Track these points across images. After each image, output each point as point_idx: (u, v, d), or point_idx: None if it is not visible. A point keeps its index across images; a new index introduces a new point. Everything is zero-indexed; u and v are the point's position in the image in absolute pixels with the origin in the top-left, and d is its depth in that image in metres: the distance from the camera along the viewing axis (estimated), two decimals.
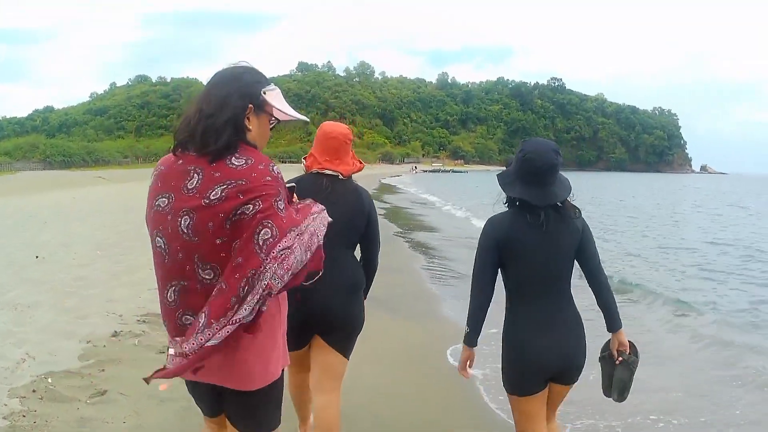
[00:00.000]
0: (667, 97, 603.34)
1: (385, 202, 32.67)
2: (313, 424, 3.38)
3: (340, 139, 3.32)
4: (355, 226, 3.31)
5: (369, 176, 76.17)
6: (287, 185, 2.20)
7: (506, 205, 2.94)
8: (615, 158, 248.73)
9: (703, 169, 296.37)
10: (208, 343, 1.95)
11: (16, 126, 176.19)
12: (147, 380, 2.06)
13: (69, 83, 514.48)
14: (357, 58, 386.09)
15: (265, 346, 2.18)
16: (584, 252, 2.88)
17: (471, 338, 2.96)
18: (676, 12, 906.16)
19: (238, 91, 2.14)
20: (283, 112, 2.28)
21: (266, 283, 1.97)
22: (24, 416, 4.06)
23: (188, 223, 2.02)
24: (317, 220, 2.20)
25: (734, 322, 8.39)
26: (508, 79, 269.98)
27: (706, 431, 4.76)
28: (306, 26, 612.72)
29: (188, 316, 2.05)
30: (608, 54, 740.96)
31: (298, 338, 3.21)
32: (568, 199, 2.88)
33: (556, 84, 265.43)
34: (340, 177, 3.28)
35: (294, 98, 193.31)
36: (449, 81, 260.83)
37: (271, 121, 2.29)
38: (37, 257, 9.63)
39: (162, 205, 2.08)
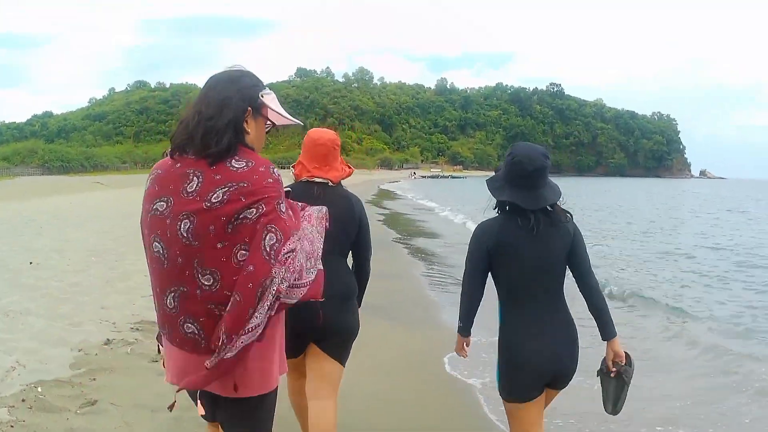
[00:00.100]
0: (666, 102, 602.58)
1: (384, 208, 32.69)
2: (310, 430, 3.36)
3: (328, 146, 3.30)
4: (347, 233, 3.30)
5: (368, 182, 76.26)
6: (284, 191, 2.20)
7: (496, 210, 2.94)
8: (614, 163, 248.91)
9: (703, 173, 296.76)
10: (226, 356, 1.95)
11: (15, 131, 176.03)
12: (170, 408, 2.23)
13: (68, 89, 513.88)
14: (356, 64, 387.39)
15: (265, 353, 2.14)
16: (575, 256, 2.87)
17: (465, 330, 3.05)
18: (674, 17, 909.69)
19: (238, 93, 2.12)
20: (281, 116, 2.27)
21: (275, 288, 1.97)
22: (12, 427, 3.96)
23: (188, 227, 1.98)
24: (315, 228, 2.21)
25: (733, 329, 8.30)
26: (506, 85, 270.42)
27: None
28: (305, 32, 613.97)
29: (189, 324, 2.03)
30: (607, 59, 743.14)
31: (294, 346, 3.16)
32: (559, 203, 2.87)
33: (555, 89, 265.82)
34: (330, 184, 3.27)
35: (293, 104, 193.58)
36: (448, 87, 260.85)
37: (267, 125, 2.27)
38: (31, 263, 9.53)
39: (160, 209, 2.04)
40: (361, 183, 68.98)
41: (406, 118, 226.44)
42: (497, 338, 2.97)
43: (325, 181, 3.26)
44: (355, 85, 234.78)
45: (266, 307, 1.96)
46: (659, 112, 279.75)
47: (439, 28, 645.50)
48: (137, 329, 6.41)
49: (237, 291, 1.95)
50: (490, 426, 4.69)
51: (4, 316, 6.52)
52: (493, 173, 3.02)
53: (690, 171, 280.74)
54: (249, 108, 2.14)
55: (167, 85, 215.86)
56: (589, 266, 2.91)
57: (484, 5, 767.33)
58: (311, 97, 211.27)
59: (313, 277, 2.15)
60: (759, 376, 6.12)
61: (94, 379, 4.97)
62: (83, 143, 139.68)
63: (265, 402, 2.23)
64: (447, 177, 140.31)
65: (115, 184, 47.21)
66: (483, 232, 2.89)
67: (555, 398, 3.06)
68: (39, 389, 4.62)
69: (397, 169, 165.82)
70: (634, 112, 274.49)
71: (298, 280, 2.07)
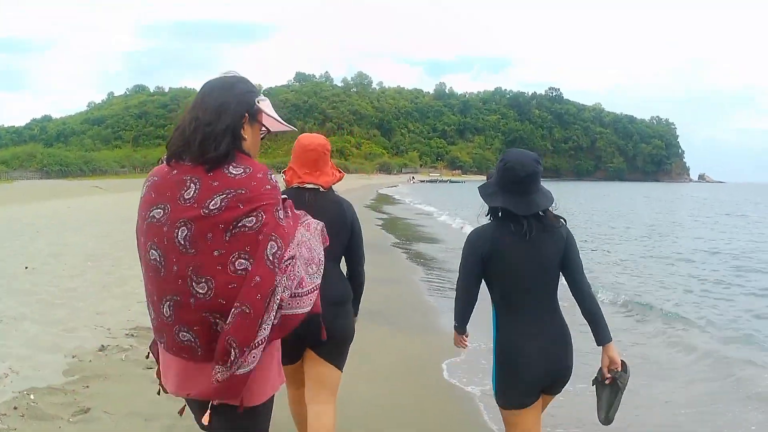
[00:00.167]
0: (665, 106, 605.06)
1: (383, 213, 32.64)
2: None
3: (318, 151, 3.29)
4: (339, 239, 3.26)
5: (366, 186, 76.31)
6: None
7: (489, 216, 2.95)
8: (613, 168, 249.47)
9: (702, 177, 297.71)
10: (239, 371, 1.93)
11: (14, 135, 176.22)
12: (181, 412, 2.24)
13: (67, 93, 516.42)
14: (355, 69, 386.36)
15: (264, 362, 2.09)
16: (568, 261, 2.88)
17: (461, 329, 3.10)
18: (673, 22, 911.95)
19: (235, 99, 2.11)
20: (277, 121, 2.27)
21: (279, 297, 1.96)
22: None
23: (185, 234, 1.96)
24: (313, 236, 2.21)
25: (732, 335, 8.25)
26: (505, 89, 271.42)
27: None
28: (304, 36, 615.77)
29: (184, 332, 2.00)
30: (606, 64, 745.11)
31: (291, 353, 3.13)
32: (551, 209, 2.88)
33: (554, 94, 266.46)
34: (321, 189, 3.26)
35: (292, 108, 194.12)
36: (447, 91, 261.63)
37: (262, 131, 2.27)
38: (27, 268, 9.45)
39: (157, 217, 2.01)
40: (359, 188, 68.97)
41: (404, 122, 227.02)
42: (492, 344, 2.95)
43: (316, 186, 3.26)
44: (354, 89, 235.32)
45: (272, 318, 1.96)
46: (658, 117, 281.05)
47: (438, 33, 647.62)
48: (132, 335, 6.33)
49: (245, 303, 1.91)
50: None
51: None
52: (481, 183, 3.03)
53: (689, 175, 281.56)
54: (246, 114, 2.13)
55: (166, 90, 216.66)
56: (582, 271, 2.91)
57: (482, 9, 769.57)
58: (310, 101, 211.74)
59: (316, 283, 2.15)
60: (759, 382, 6.07)
61: (88, 386, 4.90)
62: (82, 147, 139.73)
63: (262, 409, 2.20)
64: (446, 181, 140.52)
65: (114, 188, 47.16)
66: (477, 239, 2.89)
67: (551, 404, 3.06)
68: (32, 396, 4.56)
69: (395, 174, 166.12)
70: (632, 116, 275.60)
71: (298, 288, 2.06)
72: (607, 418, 2.93)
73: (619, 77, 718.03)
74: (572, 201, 57.20)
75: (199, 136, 2.03)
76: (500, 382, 2.90)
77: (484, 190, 2.91)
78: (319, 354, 3.25)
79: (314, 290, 2.14)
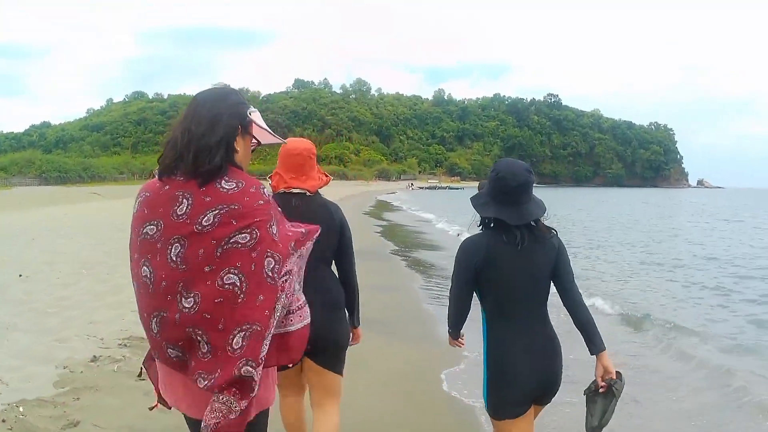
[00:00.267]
0: (663, 111, 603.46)
1: (382, 219, 32.56)
2: None
3: (304, 155, 3.30)
4: (329, 242, 3.28)
5: (365, 193, 76.32)
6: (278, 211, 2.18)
7: (480, 227, 2.96)
8: (612, 173, 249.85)
9: (700, 183, 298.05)
10: (252, 394, 1.94)
11: (13, 141, 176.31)
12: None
13: (66, 99, 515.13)
14: (353, 75, 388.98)
15: (265, 370, 2.07)
16: (559, 270, 2.89)
17: (455, 334, 3.13)
18: (671, 28, 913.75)
19: (228, 110, 2.09)
20: (268, 133, 2.28)
21: (278, 314, 1.99)
22: None
23: (179, 251, 1.95)
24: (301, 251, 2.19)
25: (731, 344, 8.17)
26: (504, 96, 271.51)
27: None
28: (302, 43, 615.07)
29: (171, 349, 1.99)
30: (604, 70, 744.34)
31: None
32: (542, 220, 2.89)
33: (553, 100, 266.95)
34: (308, 194, 3.28)
35: (290, 115, 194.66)
36: (445, 97, 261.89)
37: (253, 143, 2.25)
38: (20, 275, 9.34)
39: (150, 233, 2.00)
40: (358, 194, 69.01)
41: (403, 129, 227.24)
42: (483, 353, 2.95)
43: (302, 191, 3.27)
44: (353, 96, 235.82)
45: (271, 333, 1.97)
46: (656, 122, 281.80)
47: (437, 39, 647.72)
48: (125, 345, 6.22)
49: (256, 322, 1.91)
50: None
51: None
52: (477, 190, 3.10)
53: (687, 181, 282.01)
54: (239, 126, 2.11)
55: (165, 96, 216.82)
56: (573, 280, 2.92)
57: (481, 16, 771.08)
58: (309, 108, 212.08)
59: (304, 299, 2.17)
60: (761, 391, 6.03)
61: (78, 398, 4.79)
62: (81, 154, 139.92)
63: (260, 420, 2.18)
64: (444, 188, 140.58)
65: (112, 194, 47.10)
66: (469, 248, 2.90)
67: (542, 413, 3.06)
68: (21, 409, 4.46)
69: (394, 180, 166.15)
70: (631, 122, 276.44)
71: (291, 305, 2.09)
72: (601, 423, 2.89)
73: (617, 83, 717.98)
74: (570, 207, 57.18)
75: (193, 148, 2.00)
76: (492, 392, 2.90)
77: (476, 201, 2.93)
78: (318, 363, 3.28)
79: (305, 305, 2.16)
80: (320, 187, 3.35)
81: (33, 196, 41.85)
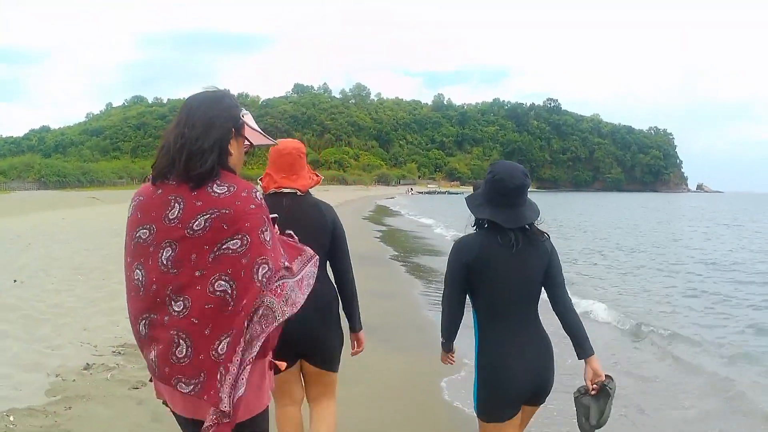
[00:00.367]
0: (663, 116, 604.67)
1: (381, 224, 32.47)
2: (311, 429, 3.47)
3: (294, 154, 3.31)
4: (321, 242, 3.26)
5: (365, 198, 76.23)
6: (271, 217, 2.16)
7: (475, 228, 2.97)
8: (611, 178, 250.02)
9: (700, 187, 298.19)
10: (238, 395, 1.94)
11: (12, 145, 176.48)
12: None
13: (65, 103, 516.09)
14: (353, 80, 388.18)
15: (255, 374, 2.09)
16: (550, 275, 2.90)
17: (448, 345, 3.11)
18: (671, 32, 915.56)
19: (222, 114, 2.10)
20: (259, 134, 2.28)
21: (265, 319, 1.98)
22: None
23: (170, 255, 1.96)
24: (309, 265, 2.23)
25: (730, 351, 8.04)
26: (503, 101, 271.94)
27: None
28: (302, 48, 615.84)
29: (152, 350, 2.01)
30: (604, 74, 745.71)
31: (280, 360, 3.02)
32: (536, 224, 2.90)
33: (552, 105, 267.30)
34: (299, 193, 3.28)
35: (290, 120, 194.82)
36: (445, 102, 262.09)
37: (245, 145, 2.25)
38: (15, 281, 9.20)
39: (143, 237, 2.02)
40: (357, 199, 68.94)
41: (403, 134, 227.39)
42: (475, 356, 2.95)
43: (293, 190, 3.26)
44: (353, 101, 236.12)
45: (260, 338, 1.98)
46: (656, 127, 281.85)
47: (436, 44, 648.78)
48: (119, 353, 6.10)
49: (235, 327, 1.92)
50: None
51: None
52: (472, 191, 3.09)
53: (687, 185, 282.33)
54: (232, 128, 2.12)
55: (165, 101, 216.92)
56: (564, 286, 2.94)
57: (480, 20, 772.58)
58: (308, 113, 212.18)
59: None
60: (760, 398, 6.01)
61: (70, 407, 4.67)
62: (80, 158, 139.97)
63: (259, 422, 2.17)
64: (444, 193, 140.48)
65: (111, 199, 46.90)
66: (462, 247, 2.91)
67: (541, 419, 3.14)
68: (11, 418, 4.35)
69: (394, 185, 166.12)
70: (630, 126, 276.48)
71: (286, 305, 2.07)
72: (599, 423, 2.90)
73: (616, 88, 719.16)
74: (570, 211, 57.15)
75: (186, 153, 2.00)
76: (482, 394, 2.90)
77: (471, 202, 2.94)
78: (314, 364, 3.34)
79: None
80: (311, 187, 3.35)
81: (31, 201, 41.72)
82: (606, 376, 2.89)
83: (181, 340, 1.92)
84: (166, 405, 2.20)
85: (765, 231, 34.89)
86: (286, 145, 3.33)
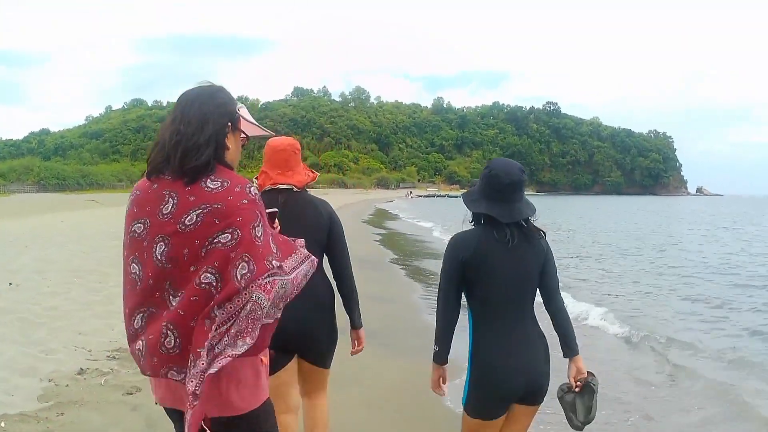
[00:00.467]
0: (663, 119, 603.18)
1: (381, 228, 32.45)
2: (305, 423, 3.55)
3: (288, 150, 3.34)
4: (317, 238, 3.29)
5: (364, 201, 76.20)
6: (270, 211, 2.19)
7: (472, 223, 2.97)
8: (611, 182, 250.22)
9: (699, 191, 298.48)
10: (210, 371, 1.89)
11: (12, 148, 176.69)
12: None
13: (65, 106, 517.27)
14: (352, 83, 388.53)
15: (247, 370, 2.08)
16: (546, 275, 2.91)
17: (441, 356, 2.96)
18: (670, 36, 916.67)
19: (217, 109, 2.09)
20: (256, 126, 2.32)
21: (253, 314, 1.93)
22: None
23: (163, 250, 1.97)
24: (304, 264, 2.19)
25: (730, 356, 7.97)
26: (503, 104, 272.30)
27: None
28: (301, 51, 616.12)
29: (140, 341, 2.03)
30: (603, 78, 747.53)
31: (276, 361, 3.01)
32: (532, 221, 2.91)
33: (552, 108, 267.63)
34: (295, 190, 3.30)
35: (289, 123, 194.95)
36: (444, 106, 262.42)
37: (242, 138, 2.24)
38: (10, 284, 9.09)
39: (138, 231, 2.03)
40: (357, 202, 68.88)
41: (402, 137, 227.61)
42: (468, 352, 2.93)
43: (289, 186, 3.28)
44: (352, 104, 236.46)
45: (244, 333, 1.93)
46: (656, 130, 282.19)
47: (436, 48, 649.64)
48: (114, 357, 6.01)
49: (207, 317, 1.91)
50: None
51: None
52: (469, 188, 3.10)
53: (686, 188, 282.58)
54: (228, 123, 2.11)
55: (164, 104, 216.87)
56: (558, 286, 2.96)
57: (479, 24, 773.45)
58: (308, 116, 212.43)
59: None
60: (760, 403, 5.98)
61: (62, 413, 4.58)
62: (80, 161, 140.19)
63: (261, 415, 2.13)
64: (443, 196, 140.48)
65: (110, 202, 46.79)
66: (459, 243, 2.88)
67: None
68: (2, 424, 4.29)
69: (393, 189, 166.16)
70: (630, 130, 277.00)
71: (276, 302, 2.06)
72: (587, 419, 2.95)
73: (616, 91, 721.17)
74: (570, 214, 57.12)
75: (181, 149, 2.00)
76: (473, 391, 2.89)
77: (468, 197, 2.94)
78: (308, 360, 3.38)
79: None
80: (307, 183, 3.36)
81: (30, 204, 41.67)
82: (588, 372, 2.94)
83: (169, 332, 1.93)
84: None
85: (764, 234, 34.83)
86: (281, 142, 3.36)
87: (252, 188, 2.04)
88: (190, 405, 1.88)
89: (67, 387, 5.14)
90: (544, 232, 2.93)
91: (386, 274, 13.75)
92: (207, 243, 1.93)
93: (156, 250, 1.97)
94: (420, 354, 7.06)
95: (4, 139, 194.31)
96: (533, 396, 2.89)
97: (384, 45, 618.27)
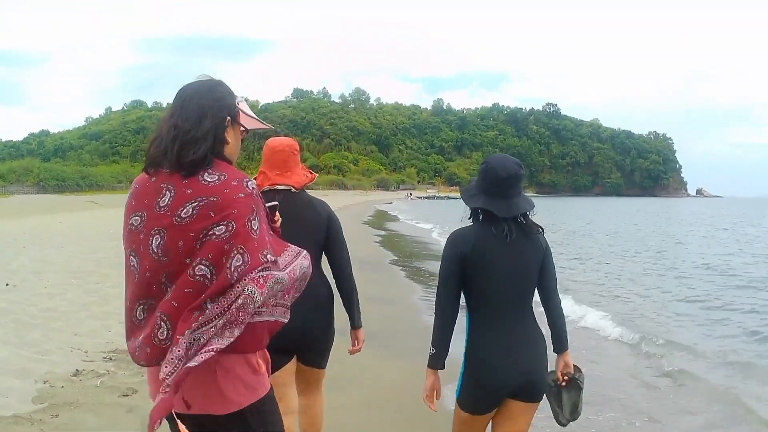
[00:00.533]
0: (662, 121, 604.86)
1: (380, 229, 32.44)
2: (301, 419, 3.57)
3: (287, 151, 3.35)
4: (316, 238, 3.31)
5: (364, 203, 76.18)
6: (270, 205, 2.19)
7: (471, 219, 2.96)
8: (610, 183, 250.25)
9: (699, 192, 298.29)
10: (188, 364, 1.85)
11: (12, 149, 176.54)
12: None
13: (65, 107, 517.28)
14: (352, 85, 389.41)
15: (242, 366, 2.05)
16: (545, 273, 2.91)
17: (437, 360, 2.90)
18: (669, 37, 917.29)
19: (216, 103, 2.09)
20: (255, 120, 2.29)
21: (245, 308, 1.90)
22: None
23: (159, 243, 1.97)
24: (299, 259, 2.17)
25: (729, 359, 7.92)
26: (503, 105, 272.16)
27: None
28: (301, 52, 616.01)
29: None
30: (603, 79, 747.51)
31: (275, 361, 2.93)
32: (530, 215, 2.90)
33: (552, 110, 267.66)
34: (293, 190, 3.31)
35: (289, 124, 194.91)
36: (444, 107, 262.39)
37: (242, 131, 2.23)
38: (7, 285, 9.04)
39: (135, 224, 2.04)
40: (356, 204, 68.84)
41: (402, 138, 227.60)
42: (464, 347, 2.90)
43: (287, 187, 3.29)
44: (352, 105, 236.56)
45: (232, 325, 1.90)
46: (655, 132, 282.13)
47: (435, 49, 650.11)
48: (110, 359, 5.95)
49: (194, 305, 1.90)
50: None
51: None
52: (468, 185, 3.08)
53: (686, 190, 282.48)
54: (228, 117, 2.11)
55: (164, 105, 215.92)
56: (556, 286, 2.97)
57: (479, 26, 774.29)
58: (308, 117, 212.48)
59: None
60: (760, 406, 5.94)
61: (57, 415, 4.52)
62: (80, 162, 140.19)
63: (261, 410, 2.10)
64: (443, 198, 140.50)
65: (110, 203, 46.74)
66: (457, 239, 2.88)
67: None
68: None
69: (393, 190, 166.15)
70: (630, 131, 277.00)
71: (281, 298, 2.09)
72: (573, 416, 3.02)
73: (616, 93, 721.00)
74: (569, 216, 57.07)
75: (178, 143, 2.00)
76: (465, 387, 2.90)
77: (465, 193, 2.94)
78: (304, 361, 3.40)
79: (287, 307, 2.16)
80: (305, 184, 3.36)
81: (30, 205, 41.64)
82: (575, 367, 3.00)
83: (162, 323, 1.93)
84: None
85: (765, 236, 34.79)
86: (280, 142, 3.37)
87: (250, 183, 2.03)
88: (161, 390, 1.84)
89: (62, 388, 5.08)
90: (542, 228, 2.93)
91: (386, 276, 13.71)
92: (202, 235, 1.92)
93: (152, 242, 1.97)
94: (420, 355, 6.97)
95: (3, 140, 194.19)
96: (528, 393, 2.86)
97: (384, 46, 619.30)
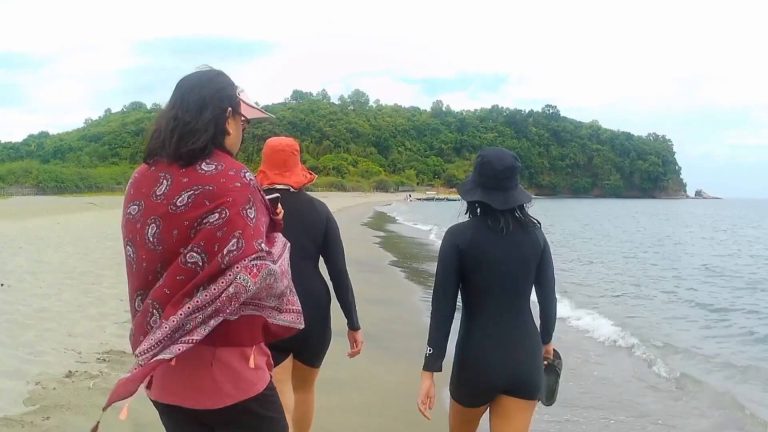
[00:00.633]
0: (662, 123, 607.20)
1: (380, 230, 32.46)
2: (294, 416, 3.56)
3: (286, 151, 3.37)
4: (314, 238, 3.34)
5: (363, 205, 76.18)
6: (272, 197, 2.19)
7: (468, 214, 2.95)
8: (610, 185, 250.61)
9: (698, 194, 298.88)
10: (160, 356, 1.80)
11: (11, 151, 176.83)
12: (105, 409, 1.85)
13: (64, 109, 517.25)
14: (351, 86, 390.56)
15: (234, 357, 2.01)
16: (542, 271, 2.90)
17: (434, 361, 2.86)
18: (669, 39, 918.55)
19: (217, 93, 2.09)
20: (256, 109, 2.29)
21: (236, 297, 1.88)
22: None
23: (154, 232, 1.96)
24: (287, 251, 2.17)
25: (729, 361, 7.87)
26: (502, 107, 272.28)
27: None
28: (301, 54, 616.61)
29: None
30: (602, 81, 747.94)
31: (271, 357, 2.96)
32: (527, 208, 2.89)
33: (551, 111, 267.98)
34: (292, 190, 3.32)
35: (288, 126, 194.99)
36: (443, 109, 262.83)
37: (242, 121, 2.22)
38: (2, 285, 8.95)
39: (133, 213, 2.03)
40: (356, 205, 68.86)
41: (401, 140, 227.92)
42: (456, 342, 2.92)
43: (286, 187, 3.30)
44: (351, 107, 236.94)
45: (215, 314, 1.86)
46: (655, 133, 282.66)
47: (435, 51, 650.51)
48: (104, 360, 5.85)
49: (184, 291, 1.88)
50: None
51: None
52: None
53: (686, 191, 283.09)
54: (229, 108, 2.10)
55: (163, 107, 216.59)
56: (553, 284, 2.97)
57: (478, 28, 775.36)
58: (307, 119, 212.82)
59: (297, 302, 2.17)
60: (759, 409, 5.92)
61: (48, 417, 4.42)
62: (79, 164, 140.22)
63: (262, 403, 2.06)
64: (442, 199, 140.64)
65: (109, 204, 46.74)
66: (455, 232, 2.87)
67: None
68: None
69: (392, 192, 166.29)
70: (629, 133, 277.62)
71: (286, 304, 2.10)
72: (549, 401, 3.08)
73: (615, 94, 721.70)
74: (569, 217, 57.04)
75: (177, 134, 2.00)
76: (457, 381, 2.91)
77: (462, 188, 2.93)
78: (301, 360, 3.42)
79: (298, 311, 2.17)
80: (304, 184, 3.38)
81: (29, 206, 41.62)
82: (554, 352, 3.07)
83: (154, 310, 1.91)
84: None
85: (764, 237, 34.80)
86: (280, 142, 3.39)
87: (247, 173, 2.01)
88: (134, 366, 1.80)
89: (54, 390, 4.98)
90: (539, 222, 2.91)
91: (385, 277, 13.67)
92: (196, 224, 1.91)
93: (148, 231, 1.96)
94: (419, 356, 6.91)
95: (2, 141, 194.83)
96: (521, 390, 2.83)
97: (383, 48, 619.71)
